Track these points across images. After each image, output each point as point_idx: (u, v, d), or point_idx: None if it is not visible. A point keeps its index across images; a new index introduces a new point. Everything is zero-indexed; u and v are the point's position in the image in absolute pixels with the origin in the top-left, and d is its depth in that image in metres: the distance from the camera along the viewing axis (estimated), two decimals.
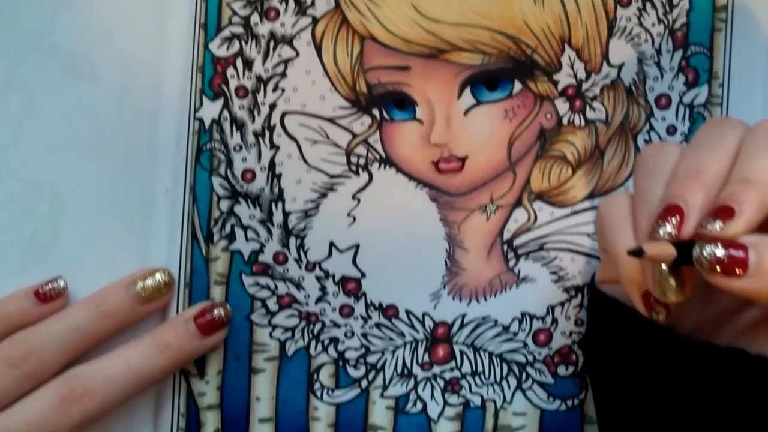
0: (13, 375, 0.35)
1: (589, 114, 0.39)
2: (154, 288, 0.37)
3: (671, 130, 0.39)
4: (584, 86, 0.38)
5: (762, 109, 0.39)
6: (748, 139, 0.30)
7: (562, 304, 0.39)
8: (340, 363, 0.39)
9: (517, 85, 0.38)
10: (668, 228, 0.30)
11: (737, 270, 0.28)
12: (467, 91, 0.38)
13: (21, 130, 0.38)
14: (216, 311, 0.38)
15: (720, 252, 0.29)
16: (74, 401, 0.34)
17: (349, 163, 0.38)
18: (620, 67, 0.39)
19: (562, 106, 0.38)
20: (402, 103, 0.38)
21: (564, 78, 0.38)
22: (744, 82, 0.39)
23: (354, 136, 0.38)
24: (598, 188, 0.39)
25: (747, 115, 0.39)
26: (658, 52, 0.39)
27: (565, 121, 0.39)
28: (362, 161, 0.38)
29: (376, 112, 0.38)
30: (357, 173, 0.38)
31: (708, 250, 0.29)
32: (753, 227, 0.29)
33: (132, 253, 0.38)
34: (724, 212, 0.29)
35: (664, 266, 0.30)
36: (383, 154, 0.38)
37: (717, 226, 0.29)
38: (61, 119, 0.38)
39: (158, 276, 0.37)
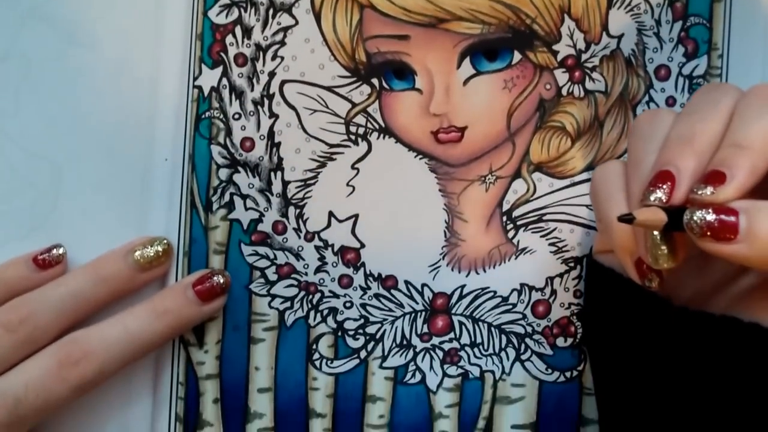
0: (11, 339, 0.35)
1: (589, 85, 0.39)
2: (152, 256, 0.38)
3: (670, 101, 0.39)
4: (584, 57, 0.39)
5: (761, 79, 0.39)
6: (741, 105, 0.31)
7: (560, 275, 0.40)
8: (339, 333, 0.39)
9: (517, 56, 0.38)
10: (659, 194, 0.30)
11: (728, 235, 0.29)
12: (467, 61, 0.38)
13: (20, 100, 0.38)
14: (215, 278, 0.38)
15: (710, 217, 0.29)
16: (73, 365, 0.35)
17: (348, 132, 0.39)
18: (620, 38, 0.39)
19: (561, 76, 0.39)
20: (401, 72, 0.38)
21: (563, 48, 0.39)
22: (743, 53, 0.39)
23: (353, 105, 0.39)
24: (597, 159, 0.39)
25: (746, 86, 0.39)
26: (658, 22, 0.39)
27: (564, 91, 0.39)
28: (361, 131, 0.39)
29: (375, 81, 0.38)
30: (356, 143, 0.39)
31: (699, 215, 0.29)
32: (744, 192, 0.29)
33: (131, 222, 0.38)
34: (716, 177, 0.29)
35: (655, 233, 0.30)
36: (382, 124, 0.39)
37: (708, 191, 0.29)
38: (59, 88, 0.38)
39: (157, 244, 0.38)
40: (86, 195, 0.39)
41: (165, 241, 0.38)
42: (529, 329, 0.40)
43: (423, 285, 0.39)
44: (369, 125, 0.39)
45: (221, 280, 0.38)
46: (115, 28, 0.38)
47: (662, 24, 0.39)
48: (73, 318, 0.37)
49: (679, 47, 0.39)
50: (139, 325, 0.36)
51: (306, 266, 0.39)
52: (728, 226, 0.29)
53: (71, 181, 0.39)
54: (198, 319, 0.38)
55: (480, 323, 0.40)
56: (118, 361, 0.36)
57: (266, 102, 0.39)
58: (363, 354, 0.40)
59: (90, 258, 0.38)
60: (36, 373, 0.34)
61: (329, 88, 0.38)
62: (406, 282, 0.39)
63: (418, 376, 0.40)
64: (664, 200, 0.30)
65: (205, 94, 0.39)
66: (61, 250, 0.38)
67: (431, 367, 0.40)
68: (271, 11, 0.38)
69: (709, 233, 0.29)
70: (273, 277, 0.39)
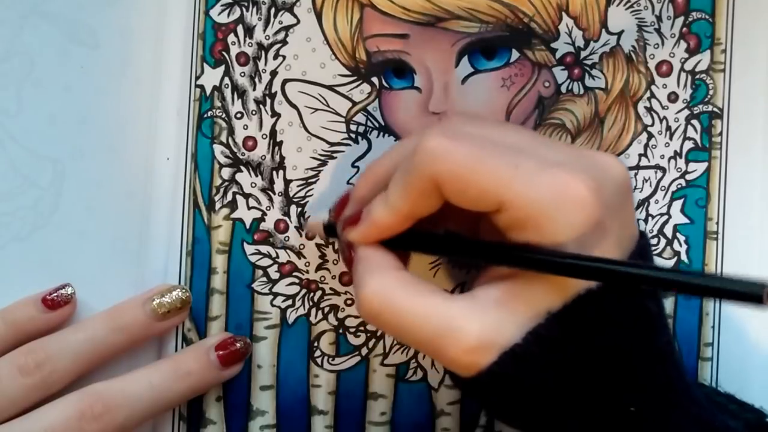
0: (25, 382, 0.37)
1: (589, 82, 0.42)
2: (170, 305, 0.40)
3: (672, 97, 0.42)
4: (582, 54, 0.42)
5: (766, 73, 0.42)
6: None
7: None
8: (341, 330, 0.42)
9: (515, 54, 0.41)
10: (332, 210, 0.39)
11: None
12: (465, 60, 0.41)
13: (22, 99, 0.41)
14: (237, 344, 0.41)
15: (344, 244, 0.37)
16: (94, 418, 0.36)
17: (348, 131, 0.42)
18: (619, 35, 0.42)
19: (560, 74, 0.42)
20: (401, 71, 0.41)
21: (562, 46, 0.41)
22: (747, 47, 0.42)
23: (353, 104, 0.42)
24: None
25: (751, 81, 0.42)
26: (659, 18, 0.42)
27: (563, 89, 0.42)
28: (361, 129, 0.42)
29: (375, 80, 0.41)
30: (356, 141, 0.42)
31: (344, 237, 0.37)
32: (370, 240, 0.36)
33: (134, 222, 0.41)
34: (353, 219, 0.36)
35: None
36: (382, 122, 0.42)
37: (341, 226, 0.37)
38: (62, 87, 0.41)
39: (175, 293, 0.40)
40: (89, 194, 0.41)
41: (184, 290, 0.40)
42: None
43: None
44: (369, 124, 0.42)
45: (243, 345, 0.41)
46: (117, 27, 0.41)
47: (663, 20, 0.42)
48: (88, 364, 0.39)
49: (681, 43, 0.42)
50: (162, 383, 0.38)
51: (307, 264, 0.42)
52: (349, 262, 0.36)
53: (73, 180, 0.41)
54: (216, 383, 0.41)
55: None
56: (138, 418, 0.38)
57: (268, 101, 0.41)
58: (364, 351, 0.43)
59: (92, 258, 0.41)
60: (55, 420, 0.36)
61: (330, 87, 0.41)
62: None
63: (420, 374, 0.43)
64: (333, 216, 0.38)
65: (207, 93, 0.41)
66: (69, 290, 0.40)
67: (433, 364, 0.43)
68: (272, 10, 0.41)
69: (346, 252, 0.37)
70: (275, 275, 0.42)
